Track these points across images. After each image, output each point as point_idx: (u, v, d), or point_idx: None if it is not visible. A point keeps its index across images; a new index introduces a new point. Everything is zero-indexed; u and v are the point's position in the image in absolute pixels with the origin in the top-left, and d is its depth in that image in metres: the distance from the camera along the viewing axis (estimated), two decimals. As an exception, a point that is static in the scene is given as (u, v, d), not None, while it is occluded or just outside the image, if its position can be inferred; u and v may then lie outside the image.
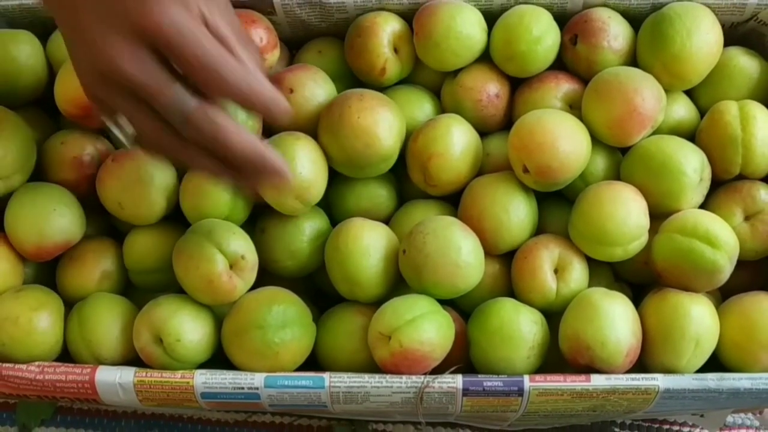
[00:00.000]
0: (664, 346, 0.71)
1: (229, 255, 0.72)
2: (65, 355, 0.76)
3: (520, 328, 0.72)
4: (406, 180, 0.82)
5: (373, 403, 0.71)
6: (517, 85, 0.84)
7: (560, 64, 0.83)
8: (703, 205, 0.77)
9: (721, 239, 0.71)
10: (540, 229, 0.79)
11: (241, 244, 0.73)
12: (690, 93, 0.83)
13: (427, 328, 0.70)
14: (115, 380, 0.71)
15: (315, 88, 0.80)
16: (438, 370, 0.71)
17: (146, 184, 0.77)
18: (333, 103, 0.78)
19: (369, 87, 0.84)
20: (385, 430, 0.89)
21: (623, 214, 0.73)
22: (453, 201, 0.80)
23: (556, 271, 0.75)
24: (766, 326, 0.71)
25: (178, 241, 0.74)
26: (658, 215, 0.75)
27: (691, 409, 0.78)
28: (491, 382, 0.69)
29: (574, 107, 0.81)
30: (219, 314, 0.75)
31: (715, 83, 0.81)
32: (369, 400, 0.70)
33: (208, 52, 0.55)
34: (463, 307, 0.78)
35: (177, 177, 0.79)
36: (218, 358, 0.75)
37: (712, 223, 0.72)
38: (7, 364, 0.72)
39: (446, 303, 0.76)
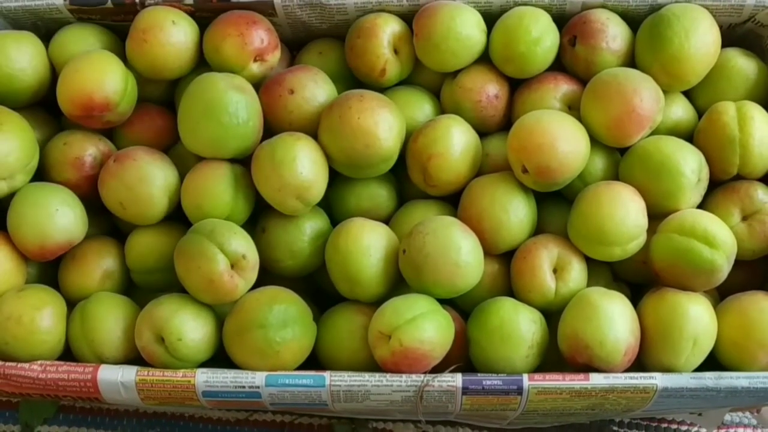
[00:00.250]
0: (662, 345, 0.71)
1: (230, 254, 0.72)
2: (67, 354, 0.77)
3: (519, 327, 0.72)
4: (406, 180, 0.82)
5: (374, 401, 0.71)
6: (517, 86, 0.84)
7: (559, 65, 0.84)
8: (701, 205, 0.77)
9: (718, 239, 0.71)
10: (539, 229, 0.79)
11: (242, 243, 0.73)
12: (688, 94, 0.83)
13: (427, 327, 0.70)
14: (117, 379, 0.71)
15: (315, 89, 0.80)
16: (438, 369, 0.71)
17: (148, 184, 0.77)
18: (333, 103, 0.78)
19: (369, 88, 0.84)
20: (385, 429, 0.89)
21: (622, 214, 0.73)
22: (453, 201, 0.81)
23: (555, 271, 0.76)
24: (763, 325, 0.72)
25: (180, 241, 0.74)
26: (657, 215, 0.75)
27: (689, 408, 0.78)
28: (491, 380, 0.70)
29: (573, 108, 0.81)
30: (220, 313, 0.75)
31: (713, 84, 0.81)
32: (369, 399, 0.71)
33: None
34: (462, 307, 0.78)
35: (179, 177, 0.79)
36: (219, 357, 0.75)
37: (710, 222, 0.72)
38: (10, 363, 0.72)
39: (446, 302, 0.76)
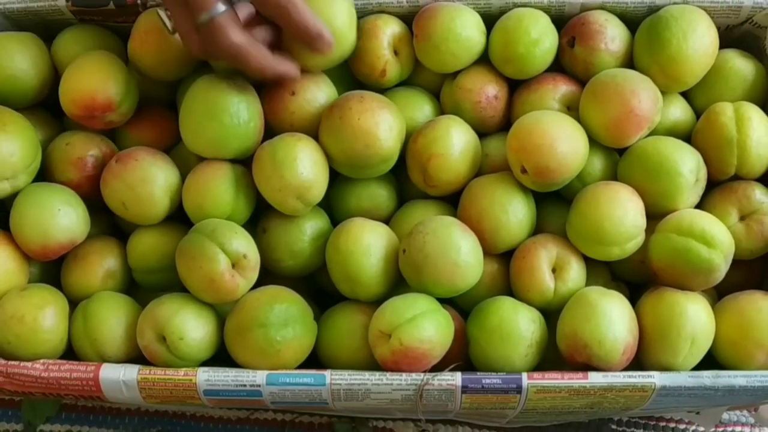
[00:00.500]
0: (660, 344, 0.72)
1: (231, 254, 0.72)
2: (70, 352, 0.77)
3: (518, 326, 0.72)
4: (406, 180, 0.82)
5: (374, 400, 0.71)
6: (516, 86, 0.84)
7: (558, 66, 0.84)
8: (699, 205, 0.77)
9: (716, 239, 0.72)
10: (538, 229, 0.80)
11: (243, 243, 0.73)
12: (686, 94, 0.83)
13: (427, 326, 0.71)
14: (119, 378, 0.71)
15: (317, 91, 0.80)
16: (437, 368, 0.71)
17: (149, 184, 0.77)
18: (334, 104, 0.78)
19: (369, 89, 0.84)
20: (385, 427, 0.89)
21: (620, 214, 0.73)
22: (452, 201, 0.81)
23: (554, 270, 0.76)
24: (760, 324, 0.72)
25: (181, 241, 0.74)
26: (655, 215, 0.75)
27: (687, 406, 0.78)
28: (490, 379, 0.70)
29: (572, 109, 0.81)
30: (221, 313, 0.76)
31: (710, 85, 0.81)
32: (369, 398, 0.71)
33: None
34: (462, 306, 0.78)
35: (180, 177, 0.79)
36: (221, 356, 0.75)
37: (707, 222, 0.72)
38: (13, 362, 0.72)
39: (446, 301, 0.76)
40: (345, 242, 0.75)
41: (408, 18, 0.83)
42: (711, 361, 0.73)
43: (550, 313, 0.75)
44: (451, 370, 0.71)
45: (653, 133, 0.79)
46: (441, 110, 0.85)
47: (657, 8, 0.81)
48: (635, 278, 0.80)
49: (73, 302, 0.78)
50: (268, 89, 0.81)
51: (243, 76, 0.79)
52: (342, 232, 0.76)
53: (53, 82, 0.83)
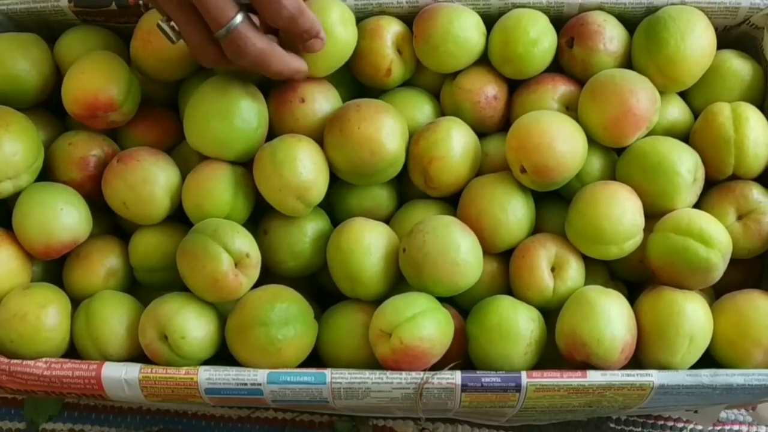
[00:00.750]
0: (658, 342, 0.72)
1: (234, 253, 0.72)
2: (72, 351, 0.77)
3: (517, 325, 0.72)
4: (407, 181, 0.82)
5: (374, 398, 0.71)
6: (515, 87, 0.84)
7: (557, 67, 0.84)
8: (697, 205, 0.77)
9: (714, 238, 0.72)
10: (537, 228, 0.80)
11: (246, 242, 0.74)
12: (684, 95, 0.83)
13: (427, 325, 0.71)
14: (120, 376, 0.71)
15: (325, 102, 0.81)
16: (437, 367, 0.71)
17: (150, 184, 0.77)
18: (333, 118, 0.78)
19: (373, 90, 0.85)
20: (385, 426, 0.90)
21: (619, 214, 0.74)
22: (452, 200, 0.81)
23: (553, 270, 0.76)
24: (758, 323, 0.72)
25: (183, 241, 0.74)
26: (653, 214, 0.75)
27: (685, 405, 0.78)
28: (489, 378, 0.70)
29: (571, 108, 0.81)
30: (222, 312, 0.76)
31: (708, 85, 0.81)
32: (370, 396, 0.71)
33: None
34: (462, 305, 0.79)
35: (180, 177, 0.80)
36: (222, 355, 0.75)
37: (705, 222, 0.73)
38: (15, 360, 0.73)
39: (445, 300, 0.76)
40: (346, 241, 0.75)
41: (408, 18, 0.84)
42: (709, 359, 0.73)
43: (549, 312, 0.76)
44: (451, 368, 0.71)
45: (651, 133, 0.79)
46: (441, 110, 0.85)
47: (655, 9, 0.81)
48: (634, 277, 0.80)
49: (75, 301, 0.78)
50: (279, 91, 0.81)
51: (252, 81, 0.79)
52: (343, 231, 0.77)
53: (56, 82, 0.83)
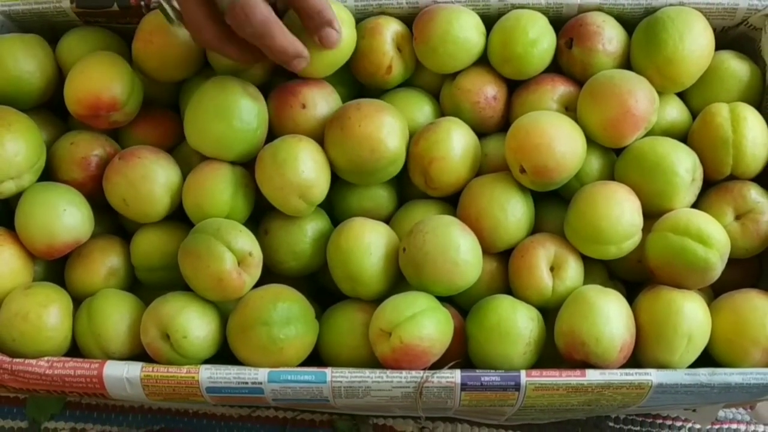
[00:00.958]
0: (657, 341, 0.72)
1: (237, 252, 0.73)
2: (74, 351, 0.77)
3: (517, 324, 0.73)
4: (407, 181, 0.82)
5: (374, 397, 0.72)
6: (515, 87, 0.84)
7: (556, 67, 0.84)
8: (695, 205, 0.77)
9: (712, 238, 0.72)
10: (536, 228, 0.80)
11: (248, 241, 0.74)
12: (682, 95, 0.83)
13: (427, 324, 0.71)
14: (122, 375, 0.71)
15: (325, 107, 0.81)
16: (437, 366, 0.72)
17: (150, 181, 0.78)
18: (333, 118, 0.79)
19: (373, 89, 0.85)
20: (385, 425, 0.90)
21: (617, 213, 0.74)
22: (452, 200, 0.81)
23: (552, 269, 0.76)
24: (756, 322, 0.72)
25: (185, 241, 0.75)
26: (652, 214, 0.75)
27: (683, 404, 0.79)
28: (489, 377, 0.70)
29: (570, 109, 0.81)
30: (224, 311, 0.76)
31: (706, 86, 0.81)
32: (370, 395, 0.71)
33: None
34: (461, 304, 0.79)
35: (181, 177, 0.80)
36: (223, 354, 0.75)
37: (704, 222, 0.73)
38: (18, 359, 0.73)
39: (445, 300, 0.76)
40: (346, 241, 0.76)
41: (408, 19, 0.84)
42: (707, 358, 0.74)
43: (548, 312, 0.76)
44: (451, 367, 0.71)
45: (650, 133, 0.79)
46: (441, 111, 0.85)
47: (654, 10, 0.81)
48: (632, 277, 0.80)
49: (77, 300, 0.78)
50: (279, 94, 0.81)
51: (252, 83, 0.80)
52: (343, 231, 0.77)
53: (58, 83, 0.83)
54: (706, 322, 0.73)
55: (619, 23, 0.82)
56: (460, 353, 0.75)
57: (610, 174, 0.80)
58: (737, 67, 0.81)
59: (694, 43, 0.78)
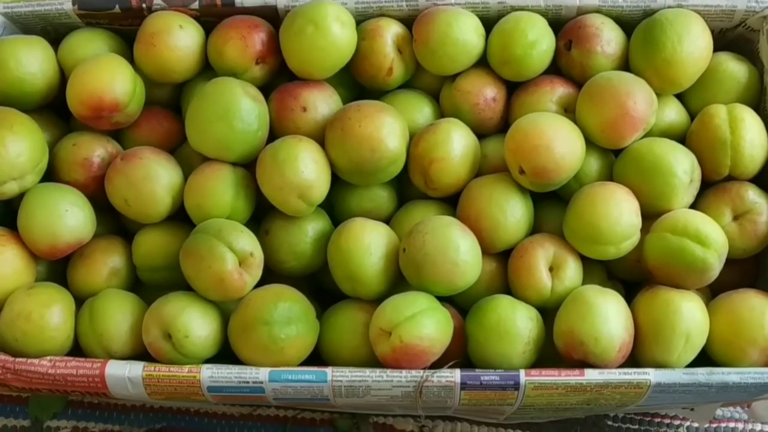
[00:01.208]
0: (655, 341, 0.72)
1: (238, 253, 0.73)
2: (76, 350, 0.77)
3: (516, 324, 0.73)
4: (406, 181, 0.82)
5: (374, 396, 0.72)
6: (514, 89, 0.84)
7: (555, 69, 0.84)
8: (694, 205, 0.77)
9: (710, 238, 0.72)
10: (535, 229, 0.80)
11: (249, 242, 0.74)
12: (680, 97, 0.83)
13: (427, 323, 0.71)
14: (124, 374, 0.72)
15: (325, 109, 0.81)
16: (437, 365, 0.72)
17: (152, 182, 0.78)
18: (333, 119, 0.79)
19: (374, 90, 0.85)
20: (385, 423, 0.90)
21: (616, 214, 0.74)
22: (452, 201, 0.81)
23: (551, 269, 0.76)
24: (753, 322, 0.72)
25: (186, 242, 0.75)
26: (650, 215, 0.76)
27: (681, 403, 0.79)
28: (488, 376, 0.70)
29: (569, 110, 0.81)
30: (225, 311, 0.76)
31: (704, 87, 0.81)
32: (370, 394, 0.71)
33: None
34: (461, 304, 0.79)
35: (183, 177, 0.80)
36: (224, 354, 0.75)
37: (702, 222, 0.73)
38: (20, 359, 0.73)
39: (445, 300, 0.76)
40: (346, 241, 0.76)
41: (408, 21, 0.84)
42: (705, 358, 0.74)
43: (547, 311, 0.76)
44: (450, 367, 0.71)
45: (648, 134, 0.79)
46: (441, 112, 0.85)
47: (652, 12, 0.81)
48: (631, 277, 0.80)
49: (79, 300, 0.79)
50: (280, 96, 0.82)
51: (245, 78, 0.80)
52: (343, 231, 0.77)
53: (60, 84, 0.84)
54: (704, 321, 0.73)
55: (617, 25, 0.82)
56: (460, 353, 0.75)
57: (609, 175, 0.80)
58: (735, 69, 0.81)
59: (692, 45, 0.78)
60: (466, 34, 0.81)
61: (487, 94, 0.83)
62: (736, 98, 0.81)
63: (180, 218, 0.81)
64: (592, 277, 0.79)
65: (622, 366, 0.72)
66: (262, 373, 0.71)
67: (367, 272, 0.75)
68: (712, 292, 0.78)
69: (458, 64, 0.83)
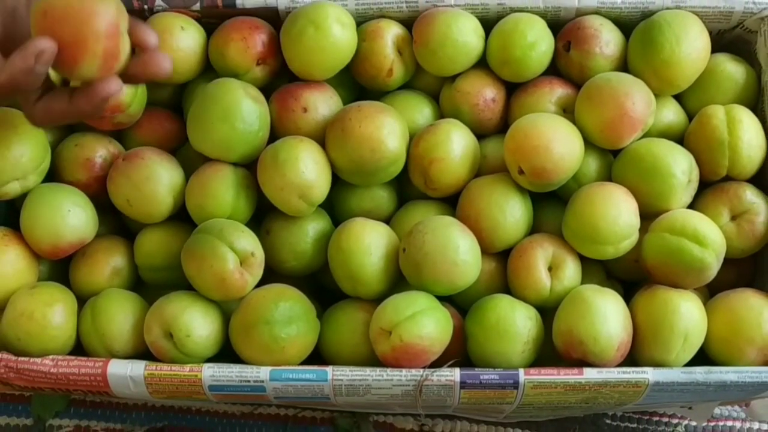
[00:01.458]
0: (654, 340, 0.72)
1: (239, 252, 0.73)
2: (78, 349, 0.77)
3: (515, 323, 0.73)
4: (406, 181, 0.83)
5: (374, 395, 0.72)
6: (513, 89, 0.85)
7: (554, 70, 0.84)
8: (692, 206, 0.78)
9: (708, 238, 0.72)
10: (535, 229, 0.80)
11: (250, 241, 0.74)
12: (679, 97, 0.84)
13: (427, 323, 0.71)
14: (126, 373, 0.72)
15: (326, 110, 0.81)
16: (437, 364, 0.72)
17: (154, 182, 0.78)
18: (334, 120, 0.79)
19: (374, 91, 0.85)
20: (385, 422, 0.90)
21: (615, 214, 0.74)
22: (451, 201, 0.81)
23: (550, 269, 0.77)
24: (751, 322, 0.73)
25: (188, 242, 0.75)
26: (648, 215, 0.76)
27: (679, 402, 0.79)
28: (488, 375, 0.70)
29: (568, 111, 0.82)
30: (227, 310, 0.77)
31: (703, 88, 0.81)
32: (370, 393, 0.72)
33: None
34: (460, 304, 0.79)
35: (184, 178, 0.81)
36: (226, 353, 0.76)
37: (700, 222, 0.73)
38: (23, 358, 0.73)
39: (445, 299, 0.77)
40: (346, 241, 0.76)
41: (408, 22, 0.84)
42: (703, 357, 0.74)
43: (547, 311, 0.76)
44: (450, 366, 0.71)
45: (647, 135, 0.79)
46: (440, 113, 0.85)
47: (650, 13, 0.82)
48: (629, 277, 0.80)
49: (81, 299, 0.79)
50: (281, 97, 0.82)
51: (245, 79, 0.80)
52: (343, 231, 0.77)
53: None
54: (702, 321, 0.73)
55: (616, 26, 0.83)
56: (460, 352, 0.76)
57: (608, 175, 0.80)
58: (733, 70, 0.81)
59: (690, 46, 0.78)
60: (465, 36, 0.81)
61: (486, 94, 0.83)
62: (734, 99, 0.81)
63: (181, 218, 0.81)
64: (591, 276, 0.79)
65: (620, 365, 0.72)
66: (263, 372, 0.71)
67: (368, 272, 0.76)
68: (710, 292, 0.79)
69: (458, 65, 0.83)
